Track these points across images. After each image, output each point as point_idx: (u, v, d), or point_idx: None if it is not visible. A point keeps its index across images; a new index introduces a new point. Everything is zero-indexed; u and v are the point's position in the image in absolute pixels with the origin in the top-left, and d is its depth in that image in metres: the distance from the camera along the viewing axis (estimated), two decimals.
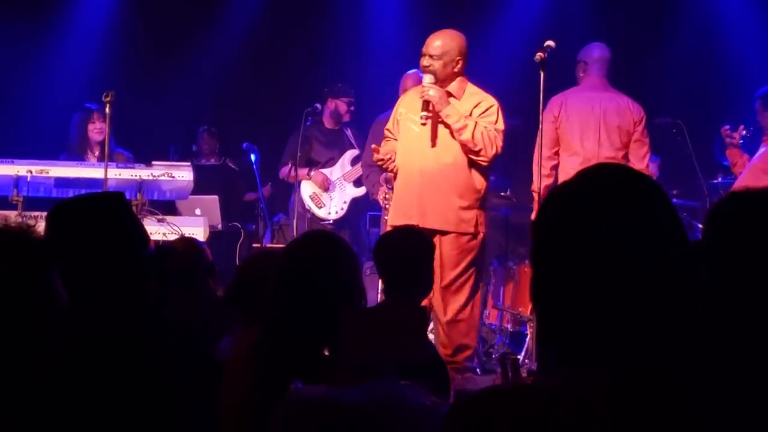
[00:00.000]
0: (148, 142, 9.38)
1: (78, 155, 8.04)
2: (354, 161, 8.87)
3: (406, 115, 6.40)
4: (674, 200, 8.76)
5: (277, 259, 3.74)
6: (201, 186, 8.07)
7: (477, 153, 6.11)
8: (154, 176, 7.25)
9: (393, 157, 6.34)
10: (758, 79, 8.26)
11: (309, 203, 8.67)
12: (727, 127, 7.59)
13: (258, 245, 8.97)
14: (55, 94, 9.90)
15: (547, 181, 7.11)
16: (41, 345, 1.84)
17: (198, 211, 8.48)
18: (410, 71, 7.86)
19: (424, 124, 6.12)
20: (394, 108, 6.61)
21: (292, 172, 8.60)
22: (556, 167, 7.26)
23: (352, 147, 9.03)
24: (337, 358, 3.12)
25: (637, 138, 7.26)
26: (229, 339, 3.98)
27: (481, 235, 6.31)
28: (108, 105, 6.93)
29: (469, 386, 6.67)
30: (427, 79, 6.16)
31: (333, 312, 3.08)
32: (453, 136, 6.18)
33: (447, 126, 6.20)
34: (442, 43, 6.19)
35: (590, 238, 1.64)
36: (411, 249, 4.39)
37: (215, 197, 9.05)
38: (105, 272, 2.46)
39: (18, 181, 6.98)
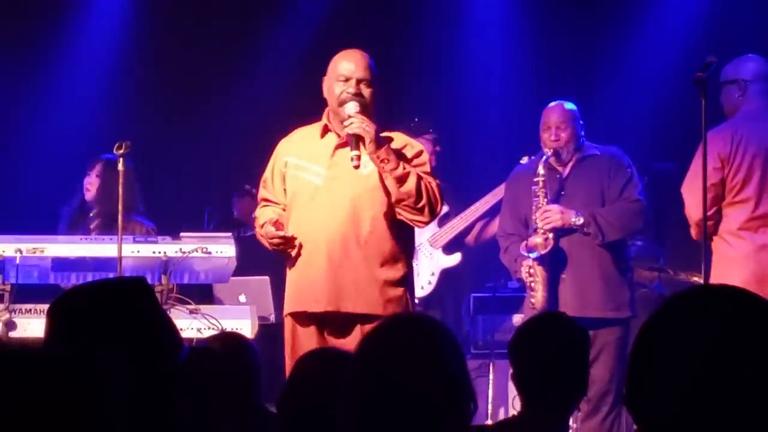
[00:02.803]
0: (175, 208, 9.30)
1: (74, 223, 7.96)
2: (442, 221, 8.56)
3: (299, 164, 5.95)
4: None
5: (345, 359, 3.67)
6: (246, 264, 7.94)
7: (419, 211, 5.81)
8: (185, 252, 7.04)
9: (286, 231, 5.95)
10: None
11: None
12: None
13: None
14: (53, 151, 9.76)
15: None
16: None
17: (243, 298, 8.34)
18: (552, 103, 7.38)
19: (357, 167, 5.77)
20: (272, 157, 6.17)
21: None
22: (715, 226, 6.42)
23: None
24: None
25: None
26: None
27: None
28: (122, 160, 6.78)
29: None
30: (352, 107, 5.76)
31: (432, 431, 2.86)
32: (383, 187, 5.82)
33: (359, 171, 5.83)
34: (370, 65, 5.87)
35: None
36: (567, 344, 4.26)
37: (265, 278, 8.81)
38: (123, 387, 2.28)
39: (4, 263, 6.78)
